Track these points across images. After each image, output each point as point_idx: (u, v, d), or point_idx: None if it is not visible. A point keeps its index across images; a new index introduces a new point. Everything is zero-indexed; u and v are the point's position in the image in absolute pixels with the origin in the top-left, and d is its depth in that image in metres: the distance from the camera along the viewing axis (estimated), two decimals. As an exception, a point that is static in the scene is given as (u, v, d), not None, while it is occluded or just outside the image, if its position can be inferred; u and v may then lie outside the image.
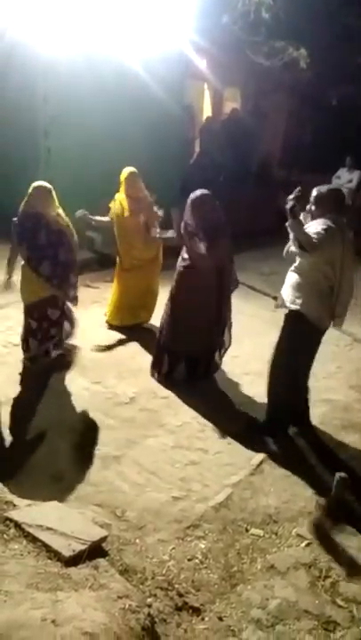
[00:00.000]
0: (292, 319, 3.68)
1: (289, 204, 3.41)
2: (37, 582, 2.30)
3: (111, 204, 5.11)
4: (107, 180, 5.10)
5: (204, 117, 11.84)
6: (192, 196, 4.19)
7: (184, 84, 9.13)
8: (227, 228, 4.25)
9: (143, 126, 7.61)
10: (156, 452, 3.65)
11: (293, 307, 3.64)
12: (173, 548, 2.88)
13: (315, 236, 3.44)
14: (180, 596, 2.61)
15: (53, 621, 2.00)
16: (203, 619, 2.54)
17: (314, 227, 3.51)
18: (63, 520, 2.75)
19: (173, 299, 4.36)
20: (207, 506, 3.21)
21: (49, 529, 2.65)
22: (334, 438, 4.01)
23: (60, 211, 4.18)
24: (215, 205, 4.22)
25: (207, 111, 12.06)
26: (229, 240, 4.28)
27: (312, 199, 3.63)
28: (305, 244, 3.42)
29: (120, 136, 7.28)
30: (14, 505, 2.84)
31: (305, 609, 2.63)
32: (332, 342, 5.68)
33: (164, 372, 4.46)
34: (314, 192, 3.63)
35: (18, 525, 2.66)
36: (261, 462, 3.64)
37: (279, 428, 3.95)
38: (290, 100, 11.90)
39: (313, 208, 3.62)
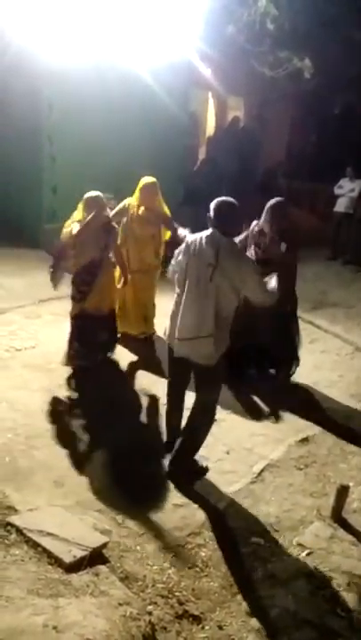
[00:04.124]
0: None
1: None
2: (38, 588, 2.31)
3: (123, 207, 4.97)
4: (111, 187, 5.12)
5: (208, 126, 11.93)
6: (272, 201, 4.49)
7: (189, 93, 9.20)
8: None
9: (148, 133, 7.68)
10: (157, 459, 3.65)
11: None
12: (174, 556, 2.88)
13: None
14: (181, 604, 2.60)
15: (55, 628, 2.01)
16: (203, 627, 2.53)
17: None
18: (64, 526, 2.75)
19: None
20: (208, 514, 3.21)
21: (50, 534, 2.66)
22: (335, 447, 4.01)
23: None
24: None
25: (211, 120, 12.15)
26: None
27: None
28: None
29: (124, 143, 7.34)
30: (16, 510, 2.85)
31: (305, 618, 2.62)
32: (333, 351, 5.71)
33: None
34: None
35: (19, 531, 2.66)
36: (263, 470, 3.64)
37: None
38: (293, 109, 11.98)
39: None
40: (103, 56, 7.00)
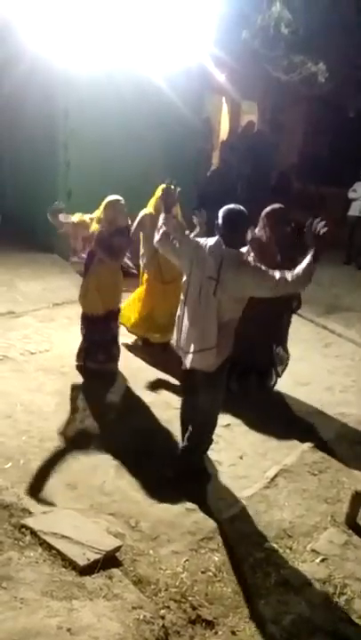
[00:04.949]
0: None
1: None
2: (52, 590, 2.32)
3: (145, 216, 4.93)
4: (125, 193, 5.15)
5: (222, 130, 11.96)
6: (267, 209, 4.31)
7: (203, 98, 9.22)
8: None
9: (162, 139, 7.69)
10: (170, 463, 3.64)
11: None
12: (187, 560, 2.88)
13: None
14: (194, 608, 2.60)
15: (69, 630, 2.02)
16: (216, 632, 2.53)
17: None
18: (78, 529, 2.77)
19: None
20: (221, 518, 3.20)
21: (64, 537, 2.67)
22: (349, 453, 3.98)
23: None
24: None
25: (225, 124, 12.18)
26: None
27: None
28: None
29: (139, 148, 7.37)
30: (30, 512, 2.87)
31: (319, 625, 2.60)
32: (347, 356, 5.67)
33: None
34: None
35: (33, 533, 2.68)
36: (276, 475, 3.62)
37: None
38: (307, 113, 11.97)
39: None
40: (118, 62, 7.04)
